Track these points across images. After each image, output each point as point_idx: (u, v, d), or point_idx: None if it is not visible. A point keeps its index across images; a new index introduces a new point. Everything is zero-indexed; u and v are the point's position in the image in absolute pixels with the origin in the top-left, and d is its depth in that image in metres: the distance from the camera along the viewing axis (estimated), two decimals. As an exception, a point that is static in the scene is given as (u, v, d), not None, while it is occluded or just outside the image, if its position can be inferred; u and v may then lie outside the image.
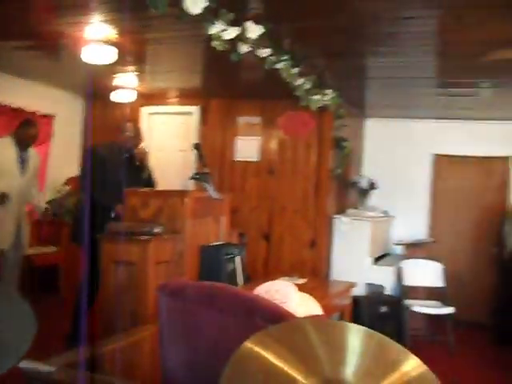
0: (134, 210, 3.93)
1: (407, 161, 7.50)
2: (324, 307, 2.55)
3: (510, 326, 6.37)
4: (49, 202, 6.98)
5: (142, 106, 7.21)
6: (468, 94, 5.76)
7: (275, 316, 2.07)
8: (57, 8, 4.02)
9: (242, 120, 6.74)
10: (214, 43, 3.60)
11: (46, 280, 6.37)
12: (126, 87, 6.62)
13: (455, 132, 7.33)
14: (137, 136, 4.78)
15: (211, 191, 4.01)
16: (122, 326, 3.60)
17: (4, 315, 1.69)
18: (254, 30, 3.77)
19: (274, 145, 6.63)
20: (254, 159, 6.66)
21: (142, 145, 4.78)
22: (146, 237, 3.55)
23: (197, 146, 4.31)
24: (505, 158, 7.33)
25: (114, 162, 4.44)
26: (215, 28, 3.39)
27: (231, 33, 3.53)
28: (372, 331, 1.48)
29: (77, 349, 2.91)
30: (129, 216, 3.92)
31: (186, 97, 7.01)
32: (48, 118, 6.92)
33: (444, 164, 7.59)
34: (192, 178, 3.98)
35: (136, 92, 6.82)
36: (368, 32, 4.09)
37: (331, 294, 4.70)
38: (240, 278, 4.20)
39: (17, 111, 6.33)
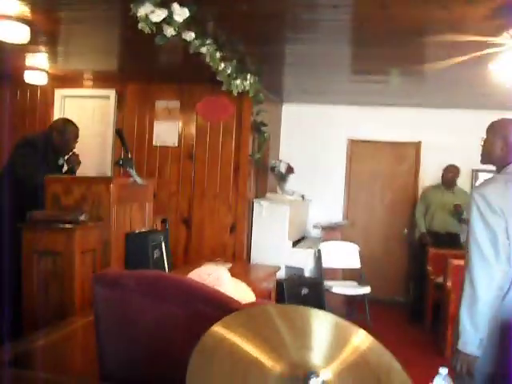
0: (56, 198, 3.77)
1: (323, 145, 7.68)
2: (253, 291, 2.57)
3: (420, 304, 6.70)
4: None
5: (55, 88, 6.91)
6: (380, 81, 5.97)
7: (216, 301, 2.06)
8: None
9: (161, 104, 6.62)
10: (141, 25, 3.51)
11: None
12: (38, 68, 6.32)
13: (369, 117, 7.59)
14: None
15: (135, 177, 3.92)
16: (48, 319, 3.47)
17: None
18: (180, 13, 3.69)
19: (193, 129, 6.56)
20: (173, 144, 6.58)
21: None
22: (70, 225, 3.43)
23: (119, 132, 4.19)
24: (416, 144, 7.64)
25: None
26: (144, 9, 3.29)
27: (159, 15, 3.44)
28: (327, 313, 1.52)
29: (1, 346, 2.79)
30: (51, 204, 3.76)
31: (103, 80, 6.79)
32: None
33: (358, 148, 7.84)
34: (116, 163, 3.87)
35: (48, 74, 6.53)
36: (288, 18, 4.13)
37: (259, 278, 4.74)
38: (166, 265, 4.15)
39: None
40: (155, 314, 2.16)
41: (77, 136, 4.70)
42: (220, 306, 1.97)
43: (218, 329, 1.34)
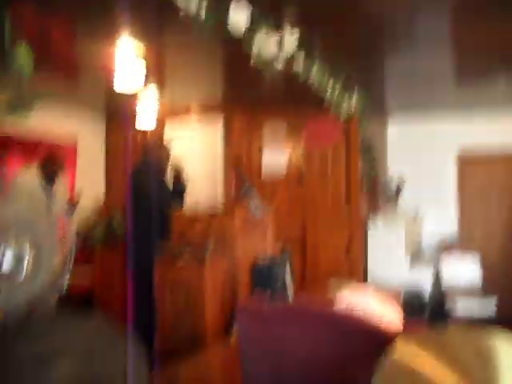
0: (181, 232, 3.89)
1: (433, 160, 7.46)
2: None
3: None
4: (78, 229, 6.97)
5: (164, 125, 7.17)
6: (485, 88, 5.76)
7: (371, 331, 2.01)
8: (80, 33, 4.01)
9: (268, 131, 6.70)
10: (253, 60, 3.57)
11: (80, 307, 6.29)
12: (148, 109, 6.59)
13: (479, 130, 7.30)
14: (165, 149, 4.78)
15: (256, 207, 3.97)
16: (181, 349, 3.57)
17: (122, 356, 1.65)
18: (291, 42, 3.73)
19: (301, 154, 6.58)
20: (283, 170, 6.62)
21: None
22: (199, 259, 3.51)
23: (236, 163, 4.27)
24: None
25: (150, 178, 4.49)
26: (258, 41, 3.35)
27: (272, 45, 3.49)
28: None
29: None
30: (177, 238, 3.88)
31: (209, 113, 6.97)
32: (71, 146, 6.89)
33: (470, 161, 7.54)
34: (240, 195, 3.94)
35: (158, 113, 6.79)
36: (387, 31, 4.12)
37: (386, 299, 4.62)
38: (291, 291, 4.15)
39: (42, 143, 6.31)
40: (304, 346, 2.15)
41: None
42: (373, 335, 1.93)
43: (393, 356, 1.29)
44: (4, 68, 1.63)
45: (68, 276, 2.25)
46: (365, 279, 6.27)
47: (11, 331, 1.69)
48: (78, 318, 1.92)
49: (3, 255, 1.92)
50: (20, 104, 1.64)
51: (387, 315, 2.28)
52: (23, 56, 1.62)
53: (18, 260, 1.96)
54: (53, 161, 5.37)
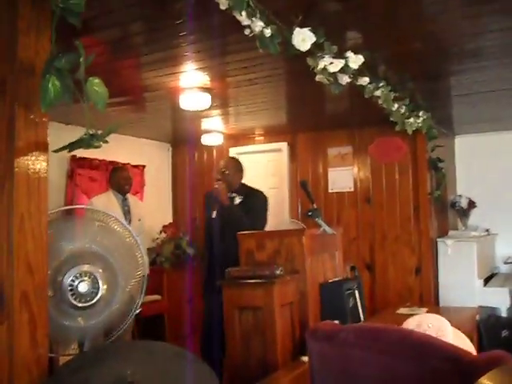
0: (249, 253, 3.89)
1: (505, 175, 7.19)
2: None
3: None
4: (146, 251, 7.09)
5: (230, 147, 7.26)
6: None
7: (451, 354, 1.93)
8: (147, 63, 4.11)
9: (333, 151, 6.67)
10: (319, 77, 3.56)
11: (151, 330, 6.38)
12: (213, 130, 6.69)
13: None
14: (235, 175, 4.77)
15: (325, 227, 3.93)
16: (252, 373, 3.54)
17: (194, 381, 1.66)
18: (355, 61, 3.70)
19: (367, 173, 6.52)
20: (349, 189, 6.56)
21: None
22: (268, 280, 3.49)
23: (303, 183, 4.24)
24: None
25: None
26: (323, 62, 3.34)
27: (337, 65, 3.46)
28: None
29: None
30: (245, 259, 3.88)
31: (274, 134, 7.03)
32: (139, 168, 7.05)
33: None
34: (306, 215, 3.91)
35: (223, 134, 6.89)
36: (453, 51, 4.03)
37: (460, 322, 4.48)
38: (361, 314, 4.06)
39: (113, 164, 6.48)
40: (380, 369, 2.08)
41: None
42: (454, 360, 1.85)
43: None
44: (78, 102, 1.68)
45: (143, 297, 2.28)
46: (436, 302, 6.09)
47: (87, 360, 1.72)
48: (151, 344, 1.95)
49: (80, 280, 1.97)
50: (95, 138, 1.68)
51: (460, 343, 2.19)
52: (97, 90, 1.65)
53: (94, 284, 2.00)
54: (119, 172, 5.50)
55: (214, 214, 4.65)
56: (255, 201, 4.66)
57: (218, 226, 4.58)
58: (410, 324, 2.30)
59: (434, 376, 1.88)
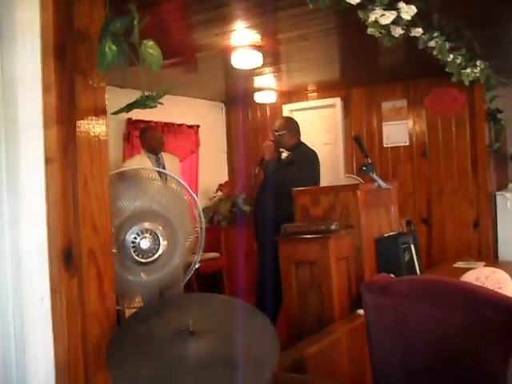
0: (304, 209, 3.93)
1: None
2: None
3: None
4: (204, 210, 7.23)
5: (283, 104, 7.25)
6: None
7: (506, 306, 1.94)
8: (197, 23, 4.13)
9: (387, 105, 6.58)
10: (370, 30, 3.50)
11: (210, 286, 6.55)
12: (266, 88, 6.69)
13: None
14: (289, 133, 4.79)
15: (379, 181, 3.92)
16: (309, 326, 3.62)
17: (253, 331, 1.73)
18: (407, 11, 3.62)
19: (423, 126, 6.41)
20: (405, 143, 6.49)
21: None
22: (324, 235, 3.53)
23: (358, 139, 4.24)
24: None
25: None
26: (375, 14, 3.29)
27: (388, 17, 3.40)
28: None
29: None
30: (300, 215, 3.93)
31: (327, 89, 6.97)
32: (194, 128, 7.14)
33: None
34: (360, 170, 3.91)
35: (276, 91, 6.89)
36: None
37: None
38: (417, 268, 4.07)
39: (167, 125, 6.60)
40: (433, 320, 2.11)
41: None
42: (509, 311, 1.86)
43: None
44: (133, 65, 1.73)
45: (201, 254, 2.37)
46: (495, 256, 6.01)
47: (151, 311, 1.82)
48: (210, 296, 2.03)
49: (141, 237, 2.07)
50: (150, 100, 1.74)
51: (511, 287, 2.19)
52: (151, 53, 1.70)
53: (155, 240, 2.09)
54: (147, 132, 5.53)
55: (257, 170, 4.77)
56: (300, 154, 4.68)
57: (262, 183, 4.67)
58: (469, 277, 2.31)
59: (486, 327, 1.89)
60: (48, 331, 1.76)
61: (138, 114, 5.94)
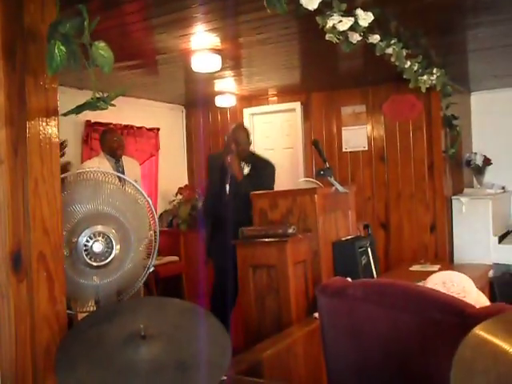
0: (262, 213, 3.94)
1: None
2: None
3: None
4: (163, 213, 7.19)
5: (244, 107, 7.26)
6: None
7: (452, 307, 1.98)
8: (158, 25, 4.11)
9: (346, 110, 6.65)
10: (328, 36, 3.53)
11: (170, 290, 6.51)
12: (226, 92, 6.69)
13: None
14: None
15: (337, 185, 3.96)
16: (266, 330, 3.63)
17: (205, 334, 1.73)
18: (365, 18, 3.66)
19: (382, 131, 6.50)
20: (363, 148, 6.57)
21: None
22: (281, 238, 3.55)
23: (316, 143, 4.27)
24: None
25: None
26: (332, 20, 3.32)
27: (346, 23, 3.44)
28: None
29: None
30: (259, 219, 3.94)
31: (287, 93, 7.01)
32: (154, 131, 7.10)
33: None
34: (318, 174, 3.95)
35: (236, 95, 6.89)
36: (468, 3, 3.94)
37: (472, 279, 4.52)
38: (374, 271, 4.12)
39: (127, 128, 6.54)
40: (385, 322, 2.15)
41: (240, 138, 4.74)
42: (456, 313, 1.90)
43: (476, 334, 1.28)
44: (84, 66, 1.71)
45: (154, 258, 2.35)
46: (451, 259, 6.13)
47: (103, 315, 1.80)
48: (163, 300, 2.02)
49: (93, 240, 2.04)
50: (101, 102, 1.72)
51: (480, 302, 2.24)
52: (103, 54, 1.68)
53: (107, 244, 2.07)
54: (107, 135, 5.45)
55: (228, 188, 4.60)
56: (263, 172, 4.64)
57: (231, 198, 4.61)
58: (433, 280, 2.35)
59: (436, 328, 1.94)
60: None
61: (96, 116, 5.87)
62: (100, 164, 5.13)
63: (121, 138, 5.53)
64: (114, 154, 5.32)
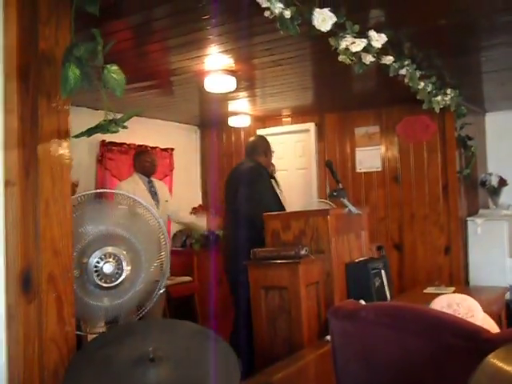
0: (275, 234, 3.93)
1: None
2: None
3: None
4: (177, 233, 7.20)
5: (257, 128, 7.28)
6: None
7: (466, 331, 1.95)
8: (173, 46, 4.15)
9: (360, 131, 6.65)
10: (341, 57, 3.54)
11: (182, 310, 6.48)
12: (240, 112, 6.72)
13: None
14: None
15: (350, 207, 3.94)
16: (278, 351, 3.60)
17: (214, 358, 1.71)
18: (377, 39, 3.67)
19: (395, 152, 6.48)
20: (377, 169, 6.55)
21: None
22: (293, 260, 3.53)
23: (329, 163, 4.26)
24: None
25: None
26: (345, 42, 3.33)
27: (359, 44, 3.45)
28: None
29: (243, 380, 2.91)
30: (271, 240, 3.92)
31: (301, 114, 7.04)
32: (168, 151, 7.14)
33: None
34: (331, 195, 3.93)
35: (250, 115, 6.92)
36: (483, 25, 3.94)
37: (486, 301, 4.47)
38: (388, 293, 4.08)
39: (141, 147, 6.58)
40: (398, 346, 2.11)
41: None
42: (471, 337, 1.87)
43: (492, 362, 1.25)
44: (97, 88, 1.73)
45: (165, 279, 2.35)
46: (466, 281, 6.06)
47: (112, 337, 1.79)
48: (174, 322, 2.01)
49: (104, 261, 2.04)
50: (113, 124, 1.73)
51: (487, 324, 2.20)
52: (114, 77, 1.70)
53: (118, 265, 2.07)
54: (142, 155, 5.56)
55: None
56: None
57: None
58: (439, 303, 2.32)
59: (449, 353, 1.90)
60: (1, 357, 1.72)
61: (111, 136, 5.92)
62: (134, 183, 5.24)
63: (154, 159, 5.65)
64: (147, 174, 5.43)
